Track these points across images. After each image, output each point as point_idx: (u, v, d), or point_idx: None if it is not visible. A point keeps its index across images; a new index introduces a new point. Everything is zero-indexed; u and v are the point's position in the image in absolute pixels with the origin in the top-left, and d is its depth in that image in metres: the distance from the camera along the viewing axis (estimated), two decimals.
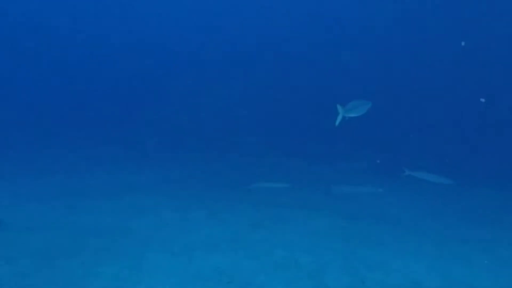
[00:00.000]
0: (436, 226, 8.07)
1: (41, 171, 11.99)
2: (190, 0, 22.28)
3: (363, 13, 19.10)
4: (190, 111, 18.53)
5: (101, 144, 15.96)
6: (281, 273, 5.52)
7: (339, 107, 5.97)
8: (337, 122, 6.02)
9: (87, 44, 22.34)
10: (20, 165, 12.88)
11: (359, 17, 19.38)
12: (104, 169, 12.55)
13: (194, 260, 5.80)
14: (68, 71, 21.84)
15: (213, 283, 5.10)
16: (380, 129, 15.41)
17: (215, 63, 20.51)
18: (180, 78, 20.25)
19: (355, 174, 12.92)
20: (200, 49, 21.57)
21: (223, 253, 6.12)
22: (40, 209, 8.05)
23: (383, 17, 18.71)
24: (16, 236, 6.54)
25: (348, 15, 19.51)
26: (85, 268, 5.37)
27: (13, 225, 7.08)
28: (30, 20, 22.26)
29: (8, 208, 8.16)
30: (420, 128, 15.54)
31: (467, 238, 7.40)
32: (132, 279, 5.10)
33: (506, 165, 12.35)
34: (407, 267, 5.97)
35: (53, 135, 16.65)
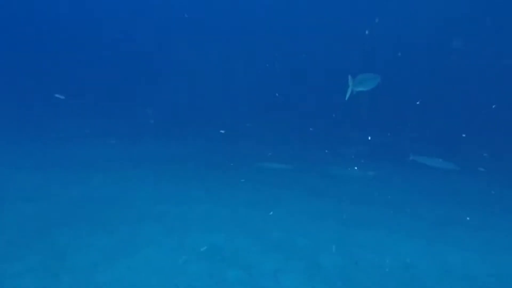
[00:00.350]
0: (433, 210, 8.03)
1: (37, 141, 11.85)
2: None
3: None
4: (190, 89, 18.33)
5: (100, 117, 15.80)
6: (275, 253, 5.52)
7: (350, 79, 5.64)
8: (347, 96, 5.70)
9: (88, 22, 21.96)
10: (16, 133, 12.75)
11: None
12: (101, 141, 12.43)
13: (189, 236, 5.81)
14: (69, 45, 21.50)
15: (207, 259, 5.11)
16: (382, 112, 15.22)
17: (217, 43, 20.14)
18: (181, 55, 19.92)
19: (355, 157, 12.83)
20: (202, 27, 21.15)
21: (219, 231, 6.12)
22: (34, 179, 8.02)
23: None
24: (7, 205, 6.52)
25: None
26: (79, 239, 5.38)
27: (5, 193, 7.06)
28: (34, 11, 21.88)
29: (1, 176, 8.12)
30: (423, 112, 15.32)
31: (463, 222, 7.39)
32: (126, 251, 5.12)
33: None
34: (401, 249, 5.98)
35: (51, 105, 16.49)
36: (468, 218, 7.61)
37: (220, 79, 18.57)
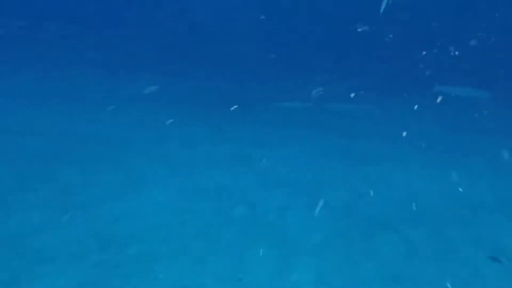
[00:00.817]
0: (443, 141, 7.80)
1: (35, 73, 11.27)
2: None
3: None
4: (191, 16, 17.10)
5: (98, 48, 14.93)
6: (280, 189, 5.54)
7: None
8: (382, 7, 5.23)
9: None
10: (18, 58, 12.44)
11: None
12: (101, 76, 11.94)
13: (194, 175, 5.82)
14: None
15: (212, 198, 5.14)
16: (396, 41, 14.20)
17: None
18: None
19: (365, 90, 12.32)
20: None
21: (224, 169, 6.10)
22: (34, 114, 7.88)
23: None
24: (15, 138, 6.52)
25: None
26: (85, 176, 5.41)
27: (11, 126, 7.04)
28: None
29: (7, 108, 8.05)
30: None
31: (476, 151, 7.20)
32: (131, 189, 5.16)
33: None
34: (408, 181, 5.97)
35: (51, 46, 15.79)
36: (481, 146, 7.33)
37: (222, 14, 17.35)
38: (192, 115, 9.05)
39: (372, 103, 10.63)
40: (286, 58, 15.05)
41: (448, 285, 3.58)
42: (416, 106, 9.96)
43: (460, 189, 5.56)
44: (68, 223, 4.34)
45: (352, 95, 10.56)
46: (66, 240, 4.03)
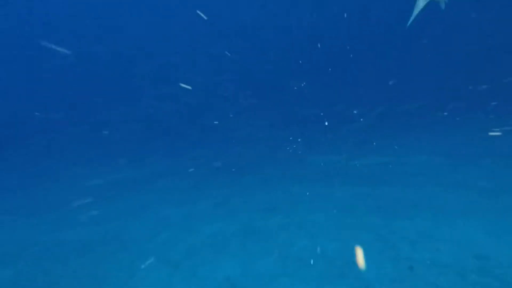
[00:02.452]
0: (480, 176, 6.81)
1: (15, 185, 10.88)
2: None
3: None
4: (171, 96, 17.10)
5: (81, 143, 14.64)
6: (306, 271, 4.42)
7: None
8: (410, 21, 4.62)
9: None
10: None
11: None
12: (88, 170, 11.37)
13: (199, 271, 4.74)
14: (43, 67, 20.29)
15: None
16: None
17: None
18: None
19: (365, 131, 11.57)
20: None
21: (233, 255, 5.05)
22: (19, 229, 7.02)
23: None
24: None
25: None
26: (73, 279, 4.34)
27: None
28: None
29: None
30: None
31: None
32: None
33: None
34: (460, 236, 4.80)
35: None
36: None
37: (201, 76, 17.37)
38: (191, 191, 8.23)
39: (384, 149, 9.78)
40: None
41: None
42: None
43: None
44: None
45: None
46: None
